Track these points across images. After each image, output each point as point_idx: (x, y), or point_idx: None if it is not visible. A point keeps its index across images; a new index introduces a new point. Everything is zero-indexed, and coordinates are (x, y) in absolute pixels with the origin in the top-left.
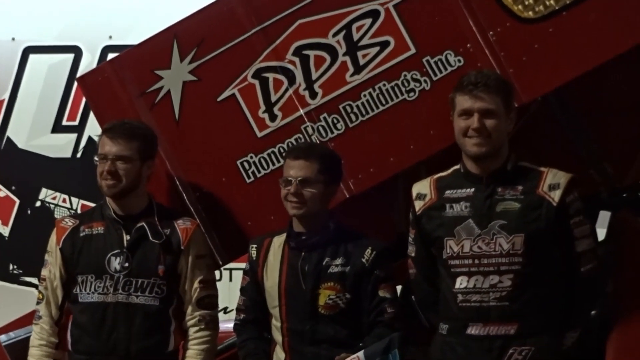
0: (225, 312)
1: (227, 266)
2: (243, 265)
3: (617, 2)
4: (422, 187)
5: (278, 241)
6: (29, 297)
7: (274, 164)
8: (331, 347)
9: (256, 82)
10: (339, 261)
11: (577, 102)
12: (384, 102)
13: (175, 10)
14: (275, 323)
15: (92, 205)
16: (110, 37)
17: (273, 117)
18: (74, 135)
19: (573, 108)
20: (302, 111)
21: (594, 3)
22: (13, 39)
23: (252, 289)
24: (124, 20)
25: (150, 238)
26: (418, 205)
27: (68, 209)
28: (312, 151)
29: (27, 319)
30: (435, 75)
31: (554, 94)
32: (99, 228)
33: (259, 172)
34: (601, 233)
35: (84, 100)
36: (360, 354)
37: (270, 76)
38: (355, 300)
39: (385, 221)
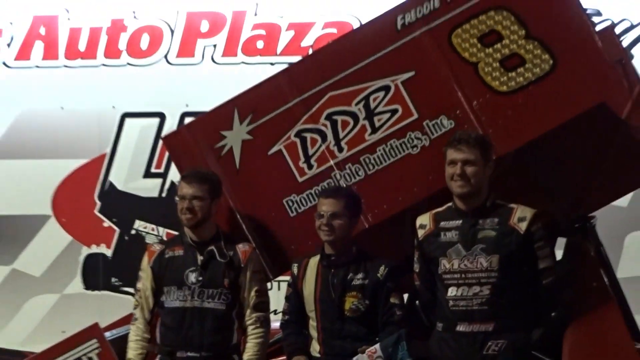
0: (274, 314)
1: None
2: (287, 278)
3: (568, 79)
4: (424, 219)
5: (313, 261)
6: (126, 303)
7: (310, 202)
8: (354, 341)
9: (297, 140)
10: (360, 276)
11: (541, 152)
12: (394, 155)
13: (236, 83)
14: (312, 323)
15: (173, 232)
16: (187, 105)
17: (310, 167)
18: (159, 180)
19: (539, 157)
20: (332, 162)
21: (551, 81)
22: (113, 107)
23: (294, 297)
24: (198, 91)
25: (218, 258)
26: (420, 233)
27: (155, 235)
28: (339, 192)
29: (125, 320)
30: (433, 134)
31: (525, 147)
32: (179, 251)
33: (300, 208)
34: (559, 253)
35: (167, 154)
36: (377, 346)
37: (308, 135)
38: (373, 306)
39: (395, 245)
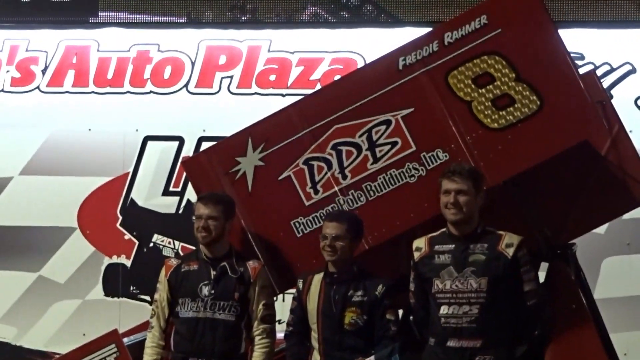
0: (279, 323)
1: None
2: (292, 291)
3: (553, 118)
4: (420, 243)
5: (317, 278)
6: (143, 310)
7: (316, 224)
8: (352, 353)
9: (305, 167)
10: (359, 293)
11: (527, 184)
12: (393, 183)
13: (249, 112)
14: (314, 334)
15: (188, 246)
16: (204, 130)
17: (316, 192)
18: (177, 198)
19: (525, 188)
20: (336, 188)
21: (538, 119)
22: (137, 130)
23: (299, 310)
24: (214, 118)
25: (230, 273)
26: (416, 255)
27: (172, 248)
28: (342, 216)
29: (142, 327)
30: (429, 165)
31: (512, 180)
32: (194, 266)
33: (306, 229)
34: (542, 275)
35: (184, 174)
36: (372, 357)
37: (315, 163)
38: (370, 321)
39: (393, 264)
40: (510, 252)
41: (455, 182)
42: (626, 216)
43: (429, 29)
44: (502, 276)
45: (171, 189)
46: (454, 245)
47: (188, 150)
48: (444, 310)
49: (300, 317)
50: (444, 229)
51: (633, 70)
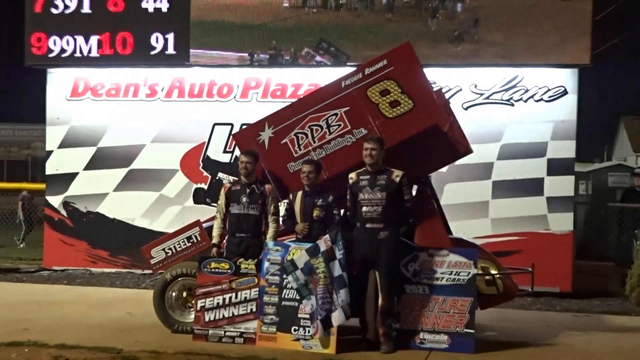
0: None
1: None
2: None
3: (419, 112)
4: (352, 175)
5: (299, 193)
6: (212, 211)
7: (299, 166)
8: (318, 231)
9: (295, 137)
10: (320, 201)
11: (406, 145)
12: (339, 145)
13: (266, 111)
14: (298, 222)
15: (235, 178)
16: (243, 120)
17: (301, 149)
18: (230, 154)
19: (405, 147)
20: (310, 148)
21: (412, 113)
22: (210, 119)
23: (289, 210)
24: (248, 114)
25: (256, 191)
26: (350, 181)
27: (227, 179)
28: (312, 162)
29: (211, 219)
30: (357, 136)
31: (399, 143)
32: (238, 187)
33: (294, 169)
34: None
35: (234, 142)
36: (327, 236)
37: (300, 135)
38: (326, 215)
39: (340, 186)
40: (398, 179)
41: (371, 144)
42: (457, 162)
43: (358, 65)
44: (393, 192)
45: (227, 149)
46: (369, 176)
47: (235, 130)
48: (364, 209)
49: (290, 213)
50: (364, 168)
51: (460, 90)
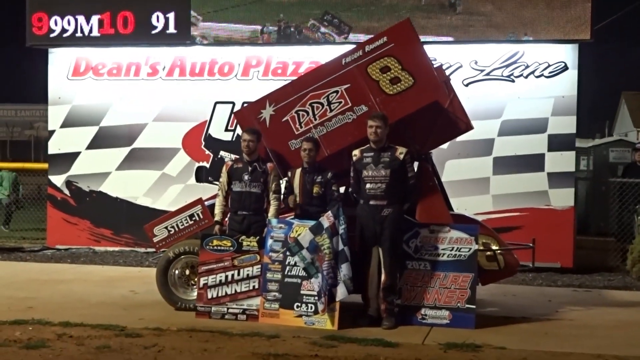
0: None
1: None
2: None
3: (420, 89)
4: (356, 151)
5: (299, 170)
6: (214, 189)
7: (300, 144)
8: (317, 207)
9: (296, 115)
10: (320, 178)
11: (408, 121)
12: (340, 122)
13: (267, 89)
14: (297, 199)
15: (236, 156)
16: (244, 98)
17: (301, 127)
18: (231, 133)
19: (407, 124)
20: (311, 125)
21: (413, 89)
22: (211, 98)
23: (289, 186)
24: (250, 92)
25: (258, 169)
26: (354, 158)
27: (229, 157)
28: (312, 139)
29: (213, 197)
30: (358, 113)
31: (401, 120)
32: (240, 165)
33: (296, 146)
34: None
35: (235, 120)
36: (329, 212)
37: (301, 112)
38: (325, 192)
39: (341, 164)
40: (401, 157)
41: (376, 121)
42: (458, 139)
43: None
44: (397, 169)
45: (229, 127)
46: (373, 153)
47: (236, 108)
48: (368, 186)
49: (290, 189)
50: (368, 145)
51: (461, 66)
